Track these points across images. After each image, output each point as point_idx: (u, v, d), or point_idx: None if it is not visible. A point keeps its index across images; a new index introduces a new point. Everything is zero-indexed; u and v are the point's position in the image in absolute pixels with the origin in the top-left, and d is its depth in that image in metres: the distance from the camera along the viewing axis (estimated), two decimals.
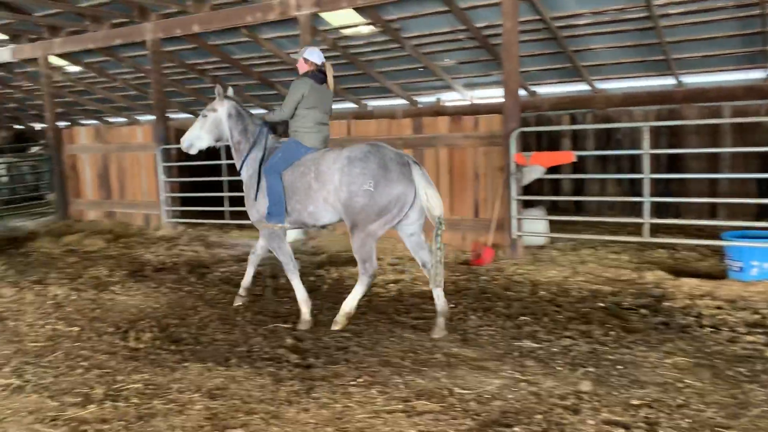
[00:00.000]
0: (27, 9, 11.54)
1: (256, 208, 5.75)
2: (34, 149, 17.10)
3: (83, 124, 19.13)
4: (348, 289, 6.55)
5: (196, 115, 17.14)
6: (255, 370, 4.40)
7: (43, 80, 13.04)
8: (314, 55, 5.75)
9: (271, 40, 11.37)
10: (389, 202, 5.11)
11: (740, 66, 10.15)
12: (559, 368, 4.32)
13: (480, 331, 5.21)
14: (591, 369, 4.29)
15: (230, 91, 6.11)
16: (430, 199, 5.15)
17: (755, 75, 10.27)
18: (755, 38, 9.21)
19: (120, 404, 3.86)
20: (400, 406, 3.75)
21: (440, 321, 5.18)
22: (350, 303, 5.35)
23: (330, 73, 5.77)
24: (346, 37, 10.99)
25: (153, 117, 11.71)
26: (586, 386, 3.97)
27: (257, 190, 5.72)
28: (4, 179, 15.66)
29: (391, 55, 11.55)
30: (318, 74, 5.72)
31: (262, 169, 5.68)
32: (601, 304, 5.81)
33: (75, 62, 14.14)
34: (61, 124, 19.07)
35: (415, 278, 6.94)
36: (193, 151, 6.16)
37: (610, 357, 4.52)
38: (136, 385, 4.15)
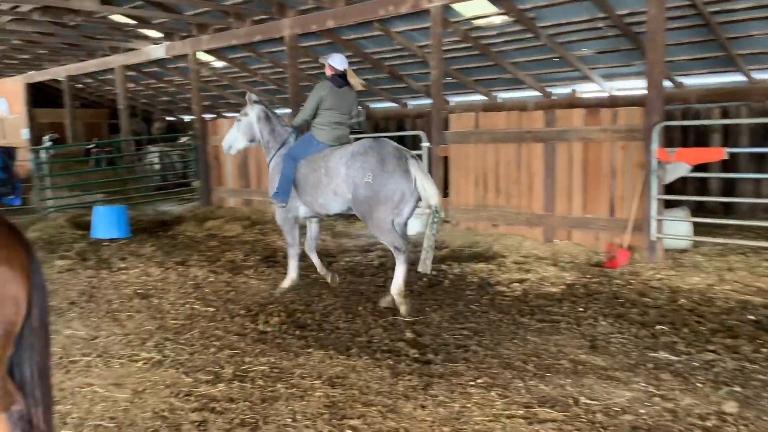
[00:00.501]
0: (178, 8, 12.42)
1: (270, 187, 6.49)
2: (183, 139, 18.45)
3: (226, 117, 20.38)
4: (470, 286, 6.47)
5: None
6: (374, 361, 4.42)
7: (191, 75, 14.00)
8: (337, 62, 6.31)
9: (402, 33, 11.42)
10: (388, 192, 5.62)
11: None
12: (700, 385, 3.95)
13: (611, 338, 4.89)
14: (737, 389, 3.87)
15: (253, 97, 6.85)
16: (427, 190, 5.61)
17: None
18: None
19: (246, 385, 4.03)
20: (521, 412, 3.60)
21: (393, 297, 5.71)
22: (398, 283, 5.70)
23: (352, 78, 6.30)
24: (478, 28, 10.78)
25: (289, 111, 12.19)
26: (731, 407, 3.59)
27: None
28: (157, 167, 17.04)
29: (525, 45, 11.18)
30: (338, 79, 6.27)
31: (284, 154, 6.40)
32: (751, 317, 5.25)
33: (220, 57, 15.07)
34: (207, 116, 20.47)
35: (542, 278, 6.67)
36: (233, 152, 7.01)
37: (761, 377, 4.06)
38: (262, 368, 4.32)
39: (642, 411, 3.60)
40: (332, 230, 10.07)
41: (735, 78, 10.58)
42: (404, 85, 14.25)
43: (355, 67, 13.90)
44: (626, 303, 5.75)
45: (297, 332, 5.12)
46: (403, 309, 5.58)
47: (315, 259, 6.73)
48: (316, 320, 5.46)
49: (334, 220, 10.85)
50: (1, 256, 2.30)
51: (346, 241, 9.19)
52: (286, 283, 6.53)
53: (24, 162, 15.07)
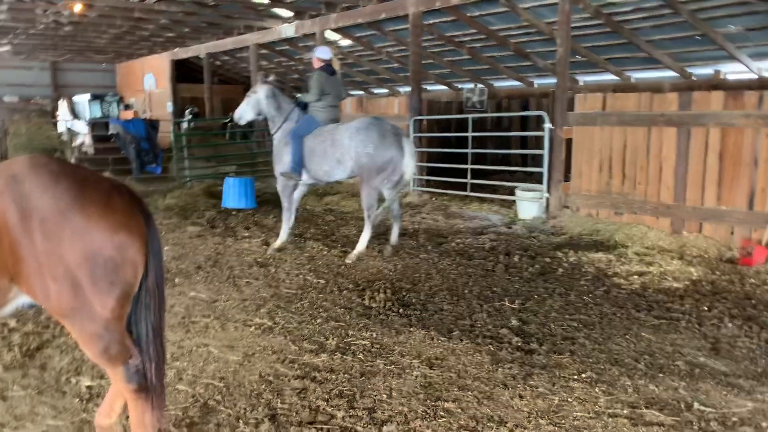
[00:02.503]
0: None
1: (283, 162, 7.38)
2: None
3: (351, 95, 20.81)
4: (585, 276, 6.21)
5: (451, 87, 17.61)
6: (475, 346, 4.38)
7: None
8: (324, 53, 7.63)
9: (529, 10, 11.02)
10: (384, 162, 6.82)
11: None
12: None
13: (737, 342, 4.51)
14: None
15: (271, 78, 7.82)
16: (407, 166, 6.90)
17: None
18: None
19: (348, 357, 4.14)
20: (626, 412, 3.42)
21: (389, 248, 7.18)
22: (360, 247, 6.97)
23: (336, 64, 7.51)
24: (611, 4, 10.16)
25: (409, 88, 12.22)
26: None
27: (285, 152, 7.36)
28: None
29: (663, 22, 10.41)
30: (329, 68, 7.55)
31: (290, 135, 7.29)
32: None
33: (346, 36, 15.36)
34: None
35: (665, 272, 6.26)
36: (242, 122, 7.81)
37: None
38: (364, 342, 4.42)
39: (764, 424, 3.30)
40: (445, 210, 10.03)
41: None
42: (530, 63, 13.79)
43: (480, 44, 13.68)
44: (759, 305, 5.27)
45: (401, 310, 5.18)
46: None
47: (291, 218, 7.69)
48: (420, 300, 5.48)
49: (449, 201, 10.81)
50: (121, 222, 2.51)
51: (459, 222, 9.12)
52: (282, 235, 7.42)
53: (166, 133, 16.29)
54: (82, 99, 18.16)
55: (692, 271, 6.32)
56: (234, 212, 10.04)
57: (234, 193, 10.55)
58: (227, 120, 20.07)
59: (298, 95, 7.87)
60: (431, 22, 12.93)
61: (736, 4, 9.18)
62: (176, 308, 5.21)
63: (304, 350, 4.28)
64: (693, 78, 12.01)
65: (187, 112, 20.76)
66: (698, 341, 4.52)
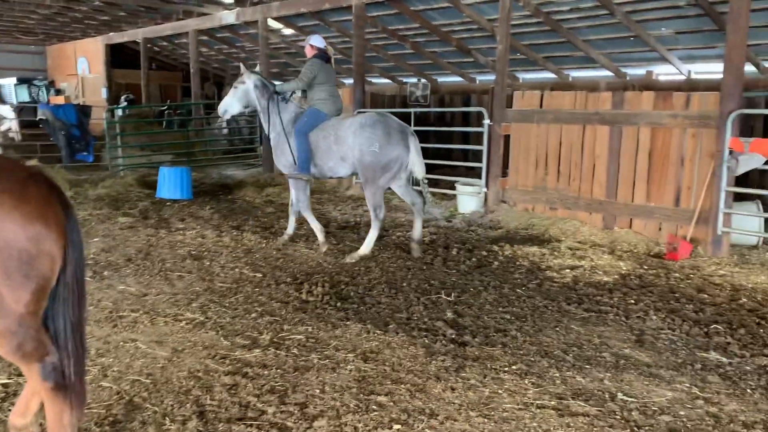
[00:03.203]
0: None
1: (288, 162, 7.06)
2: None
3: None
4: (519, 269, 6.34)
5: (395, 81, 17.61)
6: (410, 339, 4.40)
7: (260, 41, 14.15)
8: (318, 41, 7.25)
9: (472, 6, 11.12)
10: (390, 161, 6.53)
11: None
12: (749, 391, 3.73)
13: (660, 334, 4.69)
14: None
15: (258, 68, 7.72)
16: (416, 165, 6.65)
17: None
18: None
19: (281, 353, 4.09)
20: (553, 403, 3.51)
21: (414, 245, 6.87)
22: (366, 247, 6.67)
23: (331, 53, 7.29)
24: (551, 3, 10.37)
25: (351, 81, 12.16)
26: None
27: (289, 147, 6.98)
28: (225, 131, 17.42)
29: (599, 22, 10.70)
30: (324, 55, 7.17)
31: (294, 131, 6.94)
32: None
33: (289, 25, 15.13)
34: (277, 83, 20.69)
35: (596, 266, 6.46)
36: (227, 117, 7.52)
37: None
38: (299, 337, 4.38)
39: (682, 413, 3.44)
40: (388, 203, 10.04)
41: None
42: (472, 60, 13.94)
43: (423, 39, 13.73)
44: (682, 298, 5.49)
45: (338, 304, 5.15)
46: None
47: (291, 223, 7.45)
48: (359, 293, 5.47)
49: (391, 194, 10.81)
50: (37, 213, 2.38)
51: (400, 216, 9.15)
52: (320, 236, 7.09)
53: (99, 120, 15.70)
54: (8, 82, 17.28)
55: (621, 265, 6.55)
56: (169, 203, 9.78)
57: (169, 184, 10.27)
58: (165, 107, 19.57)
59: (278, 83, 7.45)
60: (375, 14, 12.89)
61: (667, 8, 9.52)
62: (104, 302, 5.03)
63: (237, 345, 4.20)
64: (627, 78, 12.42)
65: (122, 98, 20.07)
66: (624, 333, 4.67)
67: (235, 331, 4.47)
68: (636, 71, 12.32)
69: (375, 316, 4.91)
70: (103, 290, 5.34)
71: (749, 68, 9.90)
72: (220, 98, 21.90)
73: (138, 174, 12.24)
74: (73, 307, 2.62)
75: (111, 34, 20.42)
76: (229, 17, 14.79)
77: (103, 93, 21.12)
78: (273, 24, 14.89)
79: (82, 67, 23.03)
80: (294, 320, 4.73)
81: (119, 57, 21.97)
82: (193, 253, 6.72)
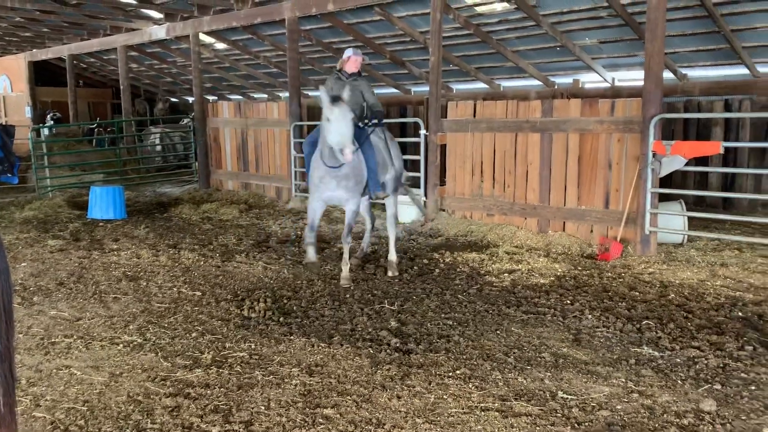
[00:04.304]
0: None
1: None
2: (185, 121, 18.38)
3: (230, 99, 20.30)
4: (460, 275, 6.44)
5: None
6: (355, 349, 4.40)
7: (193, 56, 13.91)
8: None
9: (404, 19, 11.29)
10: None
11: None
12: (680, 382, 3.91)
13: (596, 332, 4.85)
14: (717, 386, 3.84)
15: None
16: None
17: None
18: None
19: (224, 371, 4.01)
20: (497, 405, 3.58)
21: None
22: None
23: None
24: (480, 15, 10.65)
25: (287, 94, 12.10)
26: (708, 405, 3.55)
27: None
28: (158, 147, 17.01)
29: (527, 33, 11.05)
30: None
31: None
32: (739, 314, 5.20)
33: (221, 39, 14.96)
34: (212, 98, 20.40)
35: (533, 269, 6.63)
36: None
37: (743, 375, 4.02)
38: (242, 354, 4.31)
39: (619, 407, 3.57)
40: (329, 216, 10.04)
41: (739, 71, 10.43)
42: (406, 71, 14.13)
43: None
44: (615, 297, 5.71)
45: (281, 319, 5.10)
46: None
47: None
48: (302, 307, 5.44)
49: (332, 206, 10.82)
50: None
51: (341, 228, 9.14)
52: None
53: (24, 140, 15.05)
54: None
55: (557, 267, 6.75)
56: (101, 223, 9.47)
57: (101, 203, 9.94)
58: (94, 125, 18.94)
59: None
60: (308, 27, 12.91)
61: (590, 18, 9.92)
62: (34, 329, 4.81)
63: (178, 366, 4.10)
64: (555, 86, 12.85)
65: (48, 117, 19.32)
66: (562, 333, 4.82)
67: (175, 351, 4.36)
68: (563, 80, 12.77)
69: (319, 329, 4.89)
70: (34, 316, 5.11)
71: (668, 75, 10.44)
72: (153, 114, 21.50)
73: (67, 195, 11.81)
74: (0, 335, 2.50)
75: (34, 50, 19.65)
76: (159, 32, 14.50)
77: (27, 112, 20.27)
78: (205, 38, 14.69)
79: (4, 85, 22.06)
80: (236, 338, 4.65)
81: (44, 74, 21.18)
82: (129, 274, 6.52)
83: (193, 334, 4.71)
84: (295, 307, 5.43)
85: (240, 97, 20.25)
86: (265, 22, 12.36)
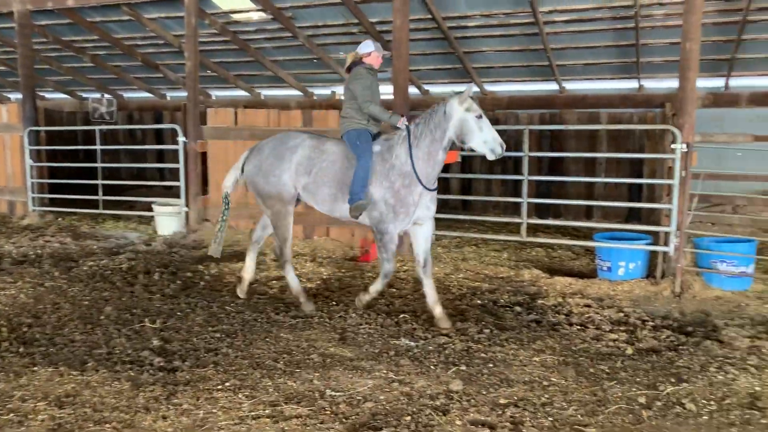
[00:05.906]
0: None
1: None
2: None
3: None
4: (227, 286, 6.32)
5: (74, 96, 16.02)
6: (113, 374, 4.08)
7: None
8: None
9: (156, 20, 10.74)
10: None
11: (617, 75, 10.75)
12: (433, 367, 4.33)
13: (359, 329, 5.13)
14: (463, 367, 4.32)
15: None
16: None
17: (630, 85, 10.91)
18: (629, 50, 9.76)
19: None
20: (268, 411, 3.59)
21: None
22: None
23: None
24: (237, 22, 10.58)
25: (20, 96, 10.74)
26: (456, 385, 3.98)
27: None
28: None
29: (284, 44, 11.26)
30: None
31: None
32: (478, 301, 5.92)
33: None
34: None
35: (300, 274, 6.75)
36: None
37: (483, 355, 4.58)
38: None
39: (382, 397, 3.83)
40: (75, 231, 9.13)
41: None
42: (161, 75, 13.44)
43: (105, 52, 12.78)
44: (378, 295, 6.07)
45: (21, 349, 4.51)
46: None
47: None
48: (46, 334, 4.87)
49: (78, 220, 9.88)
50: None
51: (91, 243, 8.37)
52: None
53: None
54: None
55: (323, 270, 6.99)
56: None
57: None
58: None
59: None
60: (44, 23, 11.60)
61: (343, 33, 10.45)
62: None
63: None
64: (315, 97, 13.28)
65: None
66: (329, 333, 5.00)
67: None
68: (322, 91, 13.24)
69: (69, 356, 4.43)
70: None
71: (414, 90, 11.43)
72: None
73: None
74: None
75: None
76: None
77: None
78: None
79: None
80: None
81: None
82: None
83: None
84: (38, 335, 4.84)
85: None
86: None
